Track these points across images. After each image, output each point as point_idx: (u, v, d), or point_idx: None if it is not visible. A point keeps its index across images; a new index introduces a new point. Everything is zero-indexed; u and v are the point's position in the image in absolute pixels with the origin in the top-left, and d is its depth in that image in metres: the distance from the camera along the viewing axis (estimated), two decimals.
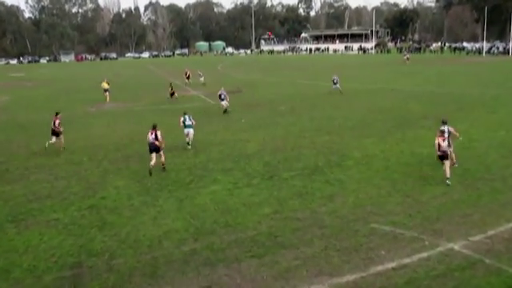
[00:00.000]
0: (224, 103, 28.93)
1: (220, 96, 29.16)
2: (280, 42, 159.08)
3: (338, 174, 15.45)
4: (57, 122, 20.02)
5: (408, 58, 70.15)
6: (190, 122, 19.59)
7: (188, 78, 48.38)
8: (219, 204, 13.11)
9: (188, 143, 19.85)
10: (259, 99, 35.09)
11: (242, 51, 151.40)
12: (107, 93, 37.97)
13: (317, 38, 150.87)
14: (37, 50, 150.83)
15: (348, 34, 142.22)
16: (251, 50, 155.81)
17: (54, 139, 19.93)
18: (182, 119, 19.65)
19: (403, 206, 12.51)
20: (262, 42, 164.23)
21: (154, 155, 15.98)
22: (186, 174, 16.06)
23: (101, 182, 15.57)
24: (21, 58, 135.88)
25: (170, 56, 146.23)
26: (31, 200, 13.99)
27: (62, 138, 20.30)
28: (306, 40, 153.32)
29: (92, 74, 73.49)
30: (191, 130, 19.64)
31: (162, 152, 16.27)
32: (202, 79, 48.77)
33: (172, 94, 36.55)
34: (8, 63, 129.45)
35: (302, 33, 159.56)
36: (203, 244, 10.75)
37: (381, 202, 12.82)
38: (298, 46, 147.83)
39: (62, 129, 20.13)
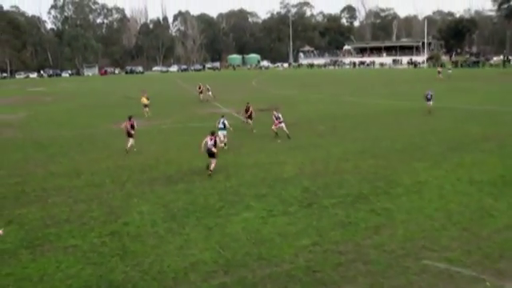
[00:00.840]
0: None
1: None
2: (320, 54, 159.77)
3: (385, 202, 15.20)
4: (128, 125, 24.54)
5: (439, 72, 69.74)
6: (221, 126, 24.16)
7: (201, 92, 50.80)
8: (252, 233, 13.06)
9: (224, 144, 23.61)
10: (297, 118, 35.09)
11: (278, 65, 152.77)
12: (147, 108, 39.49)
13: (361, 51, 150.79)
14: (58, 62, 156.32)
15: (396, 47, 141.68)
16: (289, 64, 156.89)
17: (130, 141, 24.36)
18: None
19: (460, 241, 12.16)
20: (301, 54, 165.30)
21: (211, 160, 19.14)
22: (216, 199, 16.14)
23: (124, 206, 15.80)
24: (41, 72, 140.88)
25: (200, 70, 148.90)
26: (48, 224, 14.28)
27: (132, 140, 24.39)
28: (349, 53, 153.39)
29: (116, 88, 75.49)
30: (223, 133, 23.97)
31: (215, 159, 19.15)
32: (209, 93, 50.49)
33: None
34: (28, 77, 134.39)
35: (344, 45, 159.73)
36: (234, 278, 10.69)
37: (434, 236, 12.50)
38: (340, 59, 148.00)
39: (133, 132, 24.57)
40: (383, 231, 12.94)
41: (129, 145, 24.41)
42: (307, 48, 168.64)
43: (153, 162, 21.99)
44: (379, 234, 12.74)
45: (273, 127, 27.44)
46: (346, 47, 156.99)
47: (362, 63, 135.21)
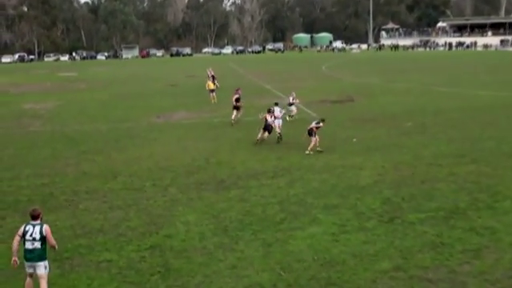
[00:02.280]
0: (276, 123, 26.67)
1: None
2: (407, 33, 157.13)
3: (489, 219, 14.83)
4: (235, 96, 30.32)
5: None
6: (278, 114, 26.29)
7: (214, 79, 50.93)
8: (320, 253, 13.01)
9: (278, 136, 25.94)
10: (377, 112, 34.71)
11: (355, 46, 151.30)
12: (213, 94, 41.98)
13: (460, 29, 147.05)
14: (93, 43, 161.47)
15: (505, 24, 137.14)
16: (368, 45, 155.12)
17: (234, 113, 30.63)
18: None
19: None
20: (383, 33, 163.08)
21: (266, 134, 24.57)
22: (277, 209, 16.19)
23: (166, 215, 16.10)
24: (73, 54, 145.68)
25: (259, 52, 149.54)
26: (79, 234, 14.75)
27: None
28: (443, 31, 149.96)
29: (160, 74, 77.03)
30: (279, 122, 26.18)
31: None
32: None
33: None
34: (58, 60, 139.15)
35: (438, 21, 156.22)
36: None
37: None
38: (432, 39, 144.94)
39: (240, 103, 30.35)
40: (486, 255, 12.62)
41: (233, 116, 30.83)
42: (391, 25, 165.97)
43: (201, 163, 22.33)
44: (480, 259, 12.44)
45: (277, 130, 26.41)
46: (441, 24, 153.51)
47: (461, 44, 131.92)
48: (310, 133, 23.66)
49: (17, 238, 10.80)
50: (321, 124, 23.96)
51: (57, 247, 11.11)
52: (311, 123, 24.18)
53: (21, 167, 22.59)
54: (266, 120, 25.42)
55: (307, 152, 23.19)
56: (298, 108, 33.14)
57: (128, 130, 31.29)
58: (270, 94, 45.67)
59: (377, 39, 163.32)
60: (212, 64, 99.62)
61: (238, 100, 31.90)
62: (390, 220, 15.00)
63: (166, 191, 18.50)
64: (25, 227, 10.79)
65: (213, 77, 51.00)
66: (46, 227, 10.81)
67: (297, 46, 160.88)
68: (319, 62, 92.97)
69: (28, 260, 10.70)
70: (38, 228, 10.73)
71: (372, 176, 19.51)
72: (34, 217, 10.84)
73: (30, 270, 10.80)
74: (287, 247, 13.41)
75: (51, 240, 10.85)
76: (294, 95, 32.77)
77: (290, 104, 32.28)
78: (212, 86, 43.11)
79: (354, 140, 26.00)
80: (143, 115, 36.98)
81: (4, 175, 21.33)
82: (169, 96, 47.86)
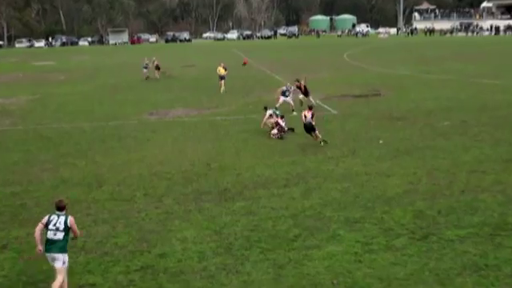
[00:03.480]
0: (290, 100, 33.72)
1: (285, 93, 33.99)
2: (445, 16, 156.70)
3: None
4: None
5: None
6: (279, 112, 28.85)
7: (158, 68, 55.32)
8: (340, 276, 13.00)
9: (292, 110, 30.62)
10: (408, 108, 34.64)
11: (382, 30, 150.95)
12: (223, 81, 43.96)
13: (509, 10, 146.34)
14: (74, 26, 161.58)
15: None
16: (397, 29, 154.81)
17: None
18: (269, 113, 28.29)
19: None
20: (416, 15, 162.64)
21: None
22: (289, 224, 16.18)
23: (160, 230, 16.11)
24: (50, 39, 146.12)
25: (269, 37, 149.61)
26: None
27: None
28: (489, 13, 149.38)
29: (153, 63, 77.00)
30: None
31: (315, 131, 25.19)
32: (145, 71, 55.04)
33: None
34: (32, 46, 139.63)
35: (483, 1, 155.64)
36: None
37: None
38: (475, 22, 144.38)
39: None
40: None
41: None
42: (425, 6, 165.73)
43: (201, 169, 22.35)
44: None
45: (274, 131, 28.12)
46: (486, 4, 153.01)
47: (510, 28, 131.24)
48: (309, 129, 25.46)
49: (40, 227, 12.26)
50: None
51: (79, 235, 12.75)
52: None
53: None
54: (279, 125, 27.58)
55: (321, 143, 25.26)
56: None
57: (116, 129, 31.36)
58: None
59: (408, 22, 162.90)
60: (215, 51, 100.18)
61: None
62: (423, 237, 14.95)
63: (160, 202, 18.52)
64: (49, 217, 12.27)
65: (157, 66, 54.97)
66: (70, 218, 12.32)
67: (314, 30, 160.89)
68: (340, 49, 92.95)
69: (48, 251, 12.09)
70: (62, 218, 12.22)
71: (402, 185, 19.44)
72: (60, 208, 12.35)
73: (52, 262, 12.16)
74: (302, 269, 13.40)
75: (76, 230, 12.43)
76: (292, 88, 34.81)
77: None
78: (223, 72, 44.65)
79: (381, 142, 25.94)
80: (134, 112, 37.06)
81: None
82: (164, 89, 47.95)
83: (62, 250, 12.07)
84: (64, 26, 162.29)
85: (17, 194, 19.89)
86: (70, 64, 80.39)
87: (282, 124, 27.64)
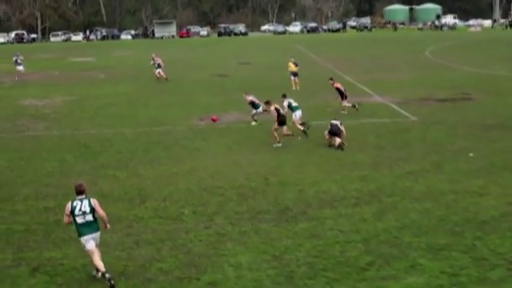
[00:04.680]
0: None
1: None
2: None
3: None
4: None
5: None
6: (297, 104, 30.89)
7: (160, 66, 55.54)
8: None
9: (304, 126, 29.96)
10: (506, 115, 34.13)
11: (473, 23, 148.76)
12: (296, 78, 46.21)
13: None
14: (116, 18, 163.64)
15: None
16: (493, 21, 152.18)
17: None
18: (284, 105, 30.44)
19: None
20: None
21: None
22: (360, 250, 16.09)
23: (211, 254, 16.16)
24: (88, 32, 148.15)
25: (338, 30, 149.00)
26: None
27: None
28: None
29: (204, 60, 77.59)
30: (300, 112, 30.59)
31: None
32: (158, 71, 55.39)
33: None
34: (68, 40, 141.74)
35: None
36: None
37: None
38: None
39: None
40: None
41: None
42: None
43: (258, 184, 22.38)
44: None
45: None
46: None
47: None
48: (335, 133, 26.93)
49: (67, 219, 14.61)
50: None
51: (107, 220, 14.83)
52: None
53: (17, 185, 23.19)
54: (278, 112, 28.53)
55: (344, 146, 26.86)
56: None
57: (162, 135, 31.60)
58: (352, 89, 45.42)
59: (506, 13, 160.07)
60: (274, 46, 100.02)
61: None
62: None
63: (211, 221, 18.62)
64: (72, 204, 14.38)
65: (158, 65, 55.01)
66: (93, 199, 14.59)
67: (390, 22, 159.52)
68: (421, 44, 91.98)
69: (85, 234, 14.33)
70: (86, 202, 14.38)
71: (498, 206, 19.11)
72: (80, 192, 14.53)
73: (90, 246, 14.36)
74: None
75: (100, 211, 14.53)
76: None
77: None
78: (294, 68, 46.45)
79: (471, 155, 25.66)
80: (182, 116, 37.28)
81: None
82: (216, 90, 48.32)
83: (99, 228, 14.64)
84: (104, 18, 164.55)
85: (51, 209, 20.21)
86: (110, 60, 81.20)
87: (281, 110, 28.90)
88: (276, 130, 28.15)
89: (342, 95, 35.25)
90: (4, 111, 40.94)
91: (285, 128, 28.33)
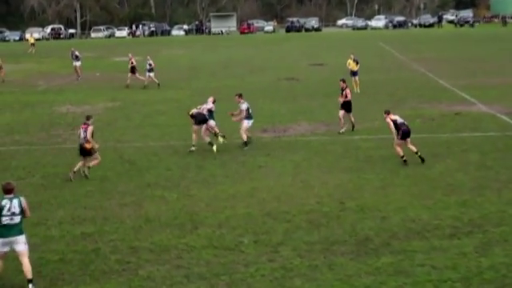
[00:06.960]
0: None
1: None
2: None
3: None
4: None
5: None
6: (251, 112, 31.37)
7: (133, 71, 56.58)
8: None
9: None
10: None
11: None
12: (355, 77, 47.59)
13: None
14: (166, 10, 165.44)
15: None
16: None
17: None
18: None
19: None
20: None
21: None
22: None
23: None
24: (134, 27, 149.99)
25: (431, 25, 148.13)
26: None
27: None
28: None
29: (269, 60, 78.06)
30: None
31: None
32: (149, 75, 56.53)
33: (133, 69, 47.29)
34: (112, 35, 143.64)
35: None
36: None
37: None
38: None
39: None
40: None
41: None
42: None
43: (332, 210, 22.20)
44: None
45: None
46: None
47: None
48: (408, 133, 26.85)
49: None
50: None
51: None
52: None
53: (51, 207, 23.45)
54: None
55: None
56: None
57: (218, 150, 31.44)
58: (451, 96, 45.03)
59: None
60: (353, 44, 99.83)
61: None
62: None
63: (276, 253, 18.49)
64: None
65: (133, 67, 56.23)
66: (23, 199, 15.83)
67: (497, 15, 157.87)
68: None
69: (6, 236, 15.48)
70: (16, 201, 15.62)
71: None
72: (8, 191, 15.71)
73: (5, 249, 15.62)
74: None
75: (28, 211, 16.03)
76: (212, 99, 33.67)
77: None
78: (355, 67, 47.89)
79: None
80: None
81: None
82: (283, 97, 48.49)
83: (22, 232, 15.81)
84: (153, 10, 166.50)
85: (89, 235, 20.33)
86: (159, 60, 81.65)
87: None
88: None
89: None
90: (38, 119, 41.68)
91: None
